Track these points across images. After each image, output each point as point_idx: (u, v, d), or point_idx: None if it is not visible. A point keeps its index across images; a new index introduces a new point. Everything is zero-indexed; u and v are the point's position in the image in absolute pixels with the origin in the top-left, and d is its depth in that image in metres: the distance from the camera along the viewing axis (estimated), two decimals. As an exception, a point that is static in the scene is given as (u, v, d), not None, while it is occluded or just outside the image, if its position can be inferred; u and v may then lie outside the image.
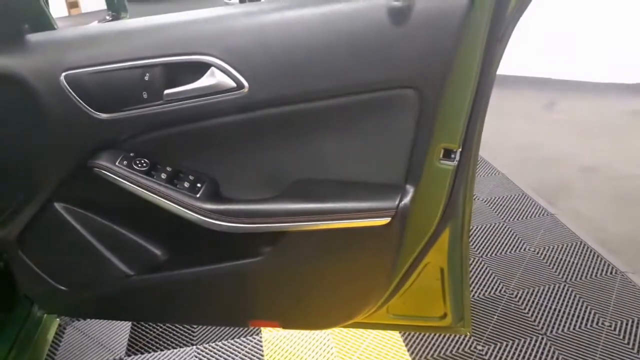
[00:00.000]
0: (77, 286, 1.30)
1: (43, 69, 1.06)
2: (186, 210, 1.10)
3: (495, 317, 1.83)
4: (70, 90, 1.05)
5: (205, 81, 1.03)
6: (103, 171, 1.10)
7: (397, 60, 0.98)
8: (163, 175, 1.11)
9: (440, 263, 1.23)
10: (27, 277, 1.31)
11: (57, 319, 1.65)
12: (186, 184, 1.11)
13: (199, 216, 1.10)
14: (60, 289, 1.30)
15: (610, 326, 1.76)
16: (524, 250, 2.20)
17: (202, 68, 1.03)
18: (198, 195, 1.11)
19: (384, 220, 1.06)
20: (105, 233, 1.23)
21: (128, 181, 1.10)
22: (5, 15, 1.11)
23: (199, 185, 1.12)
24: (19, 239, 1.25)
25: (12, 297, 1.48)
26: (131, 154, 1.11)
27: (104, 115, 1.07)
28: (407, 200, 1.06)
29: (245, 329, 1.79)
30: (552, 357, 1.65)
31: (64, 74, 1.05)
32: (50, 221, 1.21)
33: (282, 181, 1.13)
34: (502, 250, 2.21)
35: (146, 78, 1.04)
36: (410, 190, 1.07)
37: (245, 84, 1.02)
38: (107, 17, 1.50)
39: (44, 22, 1.22)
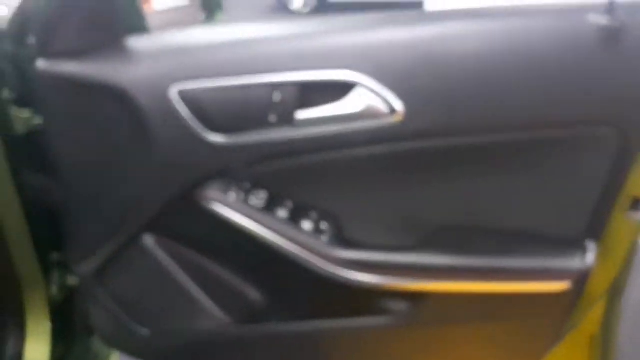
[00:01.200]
0: (162, 330, 1.12)
1: (148, 80, 0.88)
2: (310, 257, 0.91)
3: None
4: (181, 107, 0.87)
5: (349, 103, 0.84)
6: (212, 204, 0.92)
7: (600, 91, 0.78)
8: (283, 213, 0.92)
9: (591, 329, 1.02)
10: (103, 315, 1.13)
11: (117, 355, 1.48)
12: (309, 224, 0.92)
13: (325, 265, 0.91)
14: (142, 331, 1.12)
15: None
16: None
17: (344, 88, 0.84)
18: (325, 240, 0.91)
19: (562, 285, 0.86)
20: (201, 272, 1.04)
21: (242, 218, 0.91)
22: (99, 14, 0.93)
23: (322, 226, 0.93)
24: (98, 271, 1.07)
25: (71, 331, 1.32)
26: (246, 186, 0.92)
27: (218, 139, 0.88)
28: (589, 259, 0.86)
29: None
30: None
31: (173, 87, 0.87)
32: (138, 254, 1.03)
33: (422, 226, 0.93)
34: None
35: (275, 97, 0.85)
36: (592, 247, 0.87)
37: (401, 109, 0.82)
38: (198, 16, 1.32)
39: (139, 24, 1.04)
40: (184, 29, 1.02)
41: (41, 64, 0.92)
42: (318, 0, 8.16)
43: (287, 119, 0.86)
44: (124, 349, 1.24)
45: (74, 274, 1.17)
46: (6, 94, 1.02)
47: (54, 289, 1.21)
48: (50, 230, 1.14)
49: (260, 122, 0.87)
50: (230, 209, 0.92)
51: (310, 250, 0.91)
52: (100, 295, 1.10)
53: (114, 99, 0.89)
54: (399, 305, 0.97)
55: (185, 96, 0.87)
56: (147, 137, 0.89)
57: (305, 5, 8.12)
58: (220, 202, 0.92)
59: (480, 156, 0.87)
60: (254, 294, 1.05)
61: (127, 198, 0.97)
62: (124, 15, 0.99)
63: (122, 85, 0.88)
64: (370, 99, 0.83)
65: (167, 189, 0.93)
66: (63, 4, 0.89)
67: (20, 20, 1.00)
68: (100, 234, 1.01)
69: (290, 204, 0.93)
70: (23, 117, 1.03)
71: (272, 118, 0.86)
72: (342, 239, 0.93)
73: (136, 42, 0.93)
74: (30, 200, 1.09)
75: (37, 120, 1.04)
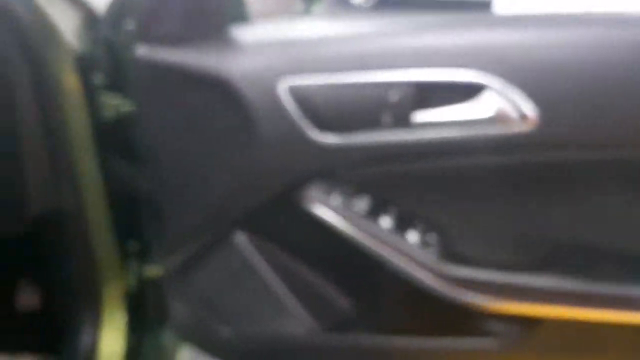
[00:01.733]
0: (245, 331, 1.07)
1: (256, 73, 0.83)
2: (415, 271, 0.84)
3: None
4: (289, 103, 0.82)
5: (473, 107, 0.77)
6: (313, 206, 0.86)
7: None
8: (388, 221, 0.85)
9: None
10: (184, 311, 1.10)
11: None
12: (416, 235, 0.85)
13: (431, 280, 0.84)
14: (224, 331, 1.08)
15: None
16: None
17: (469, 89, 0.77)
18: (432, 253, 0.84)
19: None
20: (292, 274, 0.99)
21: (344, 223, 0.85)
22: (205, 1, 0.89)
23: (430, 238, 0.86)
24: (182, 268, 1.04)
25: (143, 322, 1.29)
26: (350, 189, 0.86)
27: (326, 138, 0.82)
28: None
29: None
30: None
31: (282, 82, 0.82)
32: (227, 252, 0.99)
33: (541, 245, 0.85)
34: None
35: (391, 96, 0.79)
36: None
37: (533, 116, 0.74)
38: (293, 5, 1.26)
39: (241, 12, 0.99)
40: (285, 19, 0.97)
41: (141, 50, 0.88)
42: (380, -6, 8.03)
43: (402, 121, 0.79)
44: (204, 347, 1.20)
45: (150, 264, 1.14)
46: (98, 79, 1.00)
47: (131, 279, 1.19)
48: (129, 219, 1.12)
49: (372, 123, 0.80)
50: (332, 212, 0.86)
51: (416, 263, 0.84)
52: (183, 291, 1.07)
53: (217, 91, 0.85)
54: (508, 329, 0.89)
55: (294, 91, 0.82)
56: (249, 132, 0.84)
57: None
58: (322, 204, 0.86)
59: (615, 172, 0.78)
60: (346, 302, 0.99)
61: (222, 194, 0.92)
62: (227, 2, 0.94)
63: (228, 77, 0.83)
64: (498, 103, 0.75)
65: (266, 186, 0.89)
66: None
67: (119, 5, 0.97)
68: (189, 228, 0.98)
69: (395, 211, 0.86)
70: (113, 103, 1.00)
71: (386, 119, 0.79)
72: (451, 254, 0.86)
73: (241, 32, 0.89)
74: (113, 188, 1.06)
75: (127, 107, 1.01)
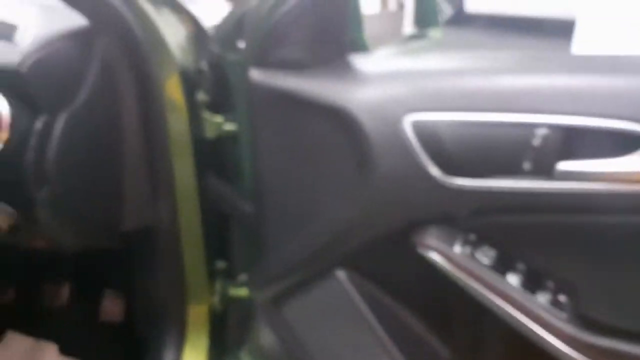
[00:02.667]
0: None
1: (379, 105, 0.77)
2: (543, 334, 0.75)
3: None
4: (413, 140, 0.75)
5: (630, 160, 0.67)
6: (427, 250, 0.79)
7: None
8: (515, 277, 0.77)
9: None
10: (272, 341, 1.05)
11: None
12: (546, 295, 0.77)
13: (562, 347, 0.75)
14: None
15: None
16: None
17: (623, 141, 0.67)
18: (565, 317, 0.75)
19: None
20: (393, 318, 0.92)
21: (464, 275, 0.77)
22: (328, 27, 0.84)
23: (562, 299, 0.77)
24: (278, 296, 0.99)
25: (224, 342, 1.26)
26: (472, 238, 0.78)
27: (452, 180, 0.75)
28: None
29: None
30: None
31: (408, 116, 0.75)
32: (326, 287, 0.93)
33: None
34: None
35: (534, 141, 0.70)
36: None
37: None
38: (410, 32, 1.19)
39: (360, 40, 0.93)
40: (405, 46, 0.90)
41: (255, 73, 0.84)
42: (455, 10, 7.81)
43: (545, 169, 0.70)
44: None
45: (236, 285, 1.10)
46: (202, 96, 0.96)
47: (216, 299, 1.15)
48: (218, 238, 1.08)
49: (508, 168, 0.72)
50: (451, 262, 0.78)
51: (545, 326, 0.75)
52: (274, 318, 1.02)
53: (335, 121, 0.79)
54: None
55: (420, 128, 0.75)
56: (367, 166, 0.78)
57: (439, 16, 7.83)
58: (439, 251, 0.79)
59: None
60: (449, 355, 0.91)
61: (328, 228, 0.86)
62: (348, 30, 0.89)
63: (348, 108, 0.77)
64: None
65: (379, 224, 0.82)
66: (290, 14, 0.80)
67: (233, 24, 0.94)
68: (292, 259, 0.92)
69: (524, 267, 0.77)
70: (215, 122, 0.97)
71: (526, 165, 0.71)
72: (585, 319, 0.76)
73: (362, 61, 0.83)
74: (206, 206, 1.03)
75: (229, 127, 0.97)
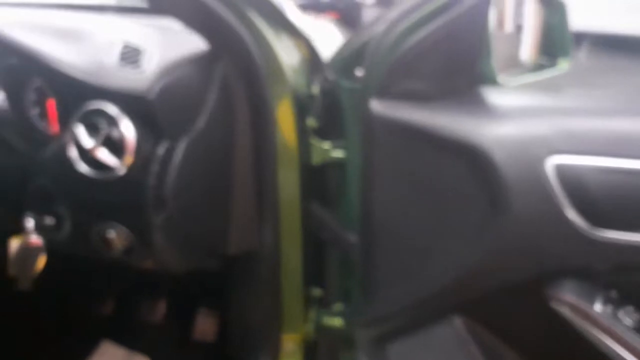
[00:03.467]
0: None
1: (517, 144, 0.71)
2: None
3: None
4: (555, 184, 0.69)
5: None
6: (564, 308, 0.72)
7: None
8: None
9: None
10: None
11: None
12: None
13: None
14: None
15: None
16: None
17: None
18: None
19: None
20: None
21: (606, 336, 0.70)
22: (460, 57, 0.79)
23: None
24: (380, 337, 0.94)
25: None
26: (614, 295, 0.71)
27: (597, 232, 0.68)
28: None
29: None
30: None
31: (550, 158, 0.69)
32: (438, 332, 0.87)
33: None
34: None
35: None
36: None
37: None
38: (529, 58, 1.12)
39: (490, 72, 0.87)
40: (542, 79, 0.84)
41: (376, 104, 0.80)
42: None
43: None
44: None
45: (330, 314, 1.07)
46: (310, 121, 0.94)
47: (310, 327, 1.12)
48: (316, 265, 1.05)
49: None
50: (589, 319, 0.71)
51: None
52: (377, 356, 0.97)
53: (465, 158, 0.74)
54: None
55: (563, 171, 0.68)
56: (498, 209, 0.73)
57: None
58: (576, 306, 0.71)
59: None
60: None
61: (450, 270, 0.81)
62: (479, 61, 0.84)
63: (482, 146, 0.72)
64: None
65: (508, 272, 0.76)
66: (422, 44, 0.76)
67: (352, 51, 0.91)
68: (401, 299, 0.87)
69: None
70: (322, 148, 0.94)
71: None
72: None
73: (494, 93, 0.77)
74: (307, 232, 1.00)
75: (336, 154, 0.94)
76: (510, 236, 0.73)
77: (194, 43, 0.93)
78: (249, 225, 0.98)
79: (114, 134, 0.84)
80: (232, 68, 0.91)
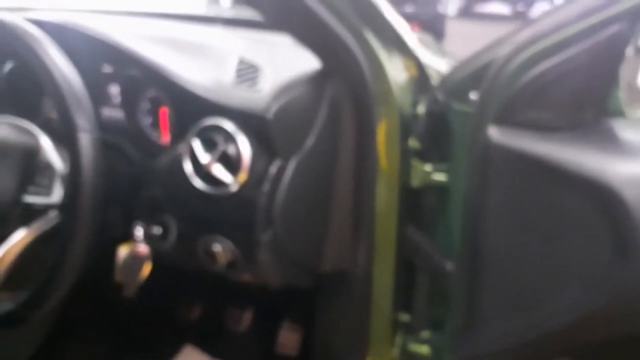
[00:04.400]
0: None
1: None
2: None
3: None
4: None
5: None
6: None
7: None
8: None
9: None
10: None
11: None
12: None
13: None
14: None
15: None
16: None
17: None
18: None
19: None
20: None
21: None
22: (588, 85, 0.75)
23: None
24: None
25: None
26: None
27: None
28: None
29: None
30: None
31: None
32: None
33: None
34: None
35: None
36: None
37: None
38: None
39: (616, 104, 0.82)
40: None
41: (495, 131, 0.77)
42: None
43: None
44: None
45: (418, 341, 1.04)
46: (413, 142, 0.92)
47: (395, 352, 1.09)
48: (405, 289, 1.02)
49: None
50: None
51: None
52: None
53: (592, 196, 0.70)
54: None
55: None
56: (628, 253, 0.68)
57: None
58: None
59: None
60: None
61: (567, 313, 0.76)
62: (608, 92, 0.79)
63: (612, 184, 0.68)
64: None
65: (631, 321, 0.71)
66: (553, 72, 0.72)
67: (467, 74, 0.88)
68: (508, 337, 0.83)
69: None
70: (423, 170, 0.92)
71: None
72: None
73: (625, 128, 0.73)
74: (402, 256, 0.98)
75: (438, 177, 0.91)
76: (638, 283, 0.68)
77: (305, 60, 0.93)
78: (345, 245, 0.97)
79: (230, 150, 0.85)
80: (343, 87, 0.90)
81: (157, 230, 0.92)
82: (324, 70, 0.91)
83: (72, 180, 0.77)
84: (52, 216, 0.80)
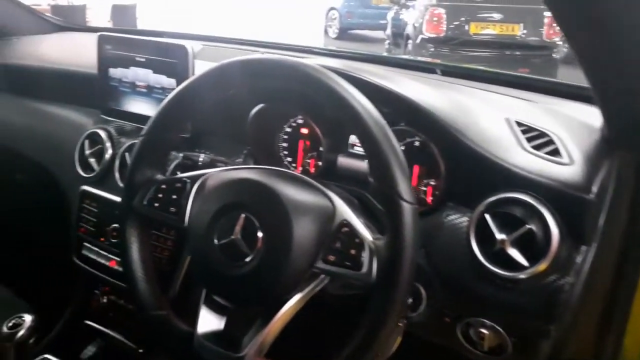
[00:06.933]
0: None
1: None
2: None
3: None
4: None
5: None
6: None
7: None
8: None
9: None
10: None
11: None
12: None
13: None
14: None
15: None
16: None
17: None
18: None
19: None
20: None
21: None
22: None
23: None
24: None
25: None
26: None
27: None
28: None
29: None
30: None
31: None
32: None
33: None
34: None
35: None
36: None
37: None
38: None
39: None
40: None
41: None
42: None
43: None
44: None
45: None
46: None
47: None
48: None
49: None
50: None
51: None
52: None
53: None
54: None
55: None
56: None
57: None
58: None
59: None
60: None
61: None
62: None
63: None
64: None
65: None
66: None
67: None
68: None
69: None
70: None
71: None
72: None
73: None
74: None
75: None
76: None
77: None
78: (591, 335, 0.88)
79: (535, 231, 0.75)
80: (628, 158, 0.81)
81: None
82: (609, 138, 0.83)
83: (392, 255, 0.67)
84: (321, 279, 0.72)
